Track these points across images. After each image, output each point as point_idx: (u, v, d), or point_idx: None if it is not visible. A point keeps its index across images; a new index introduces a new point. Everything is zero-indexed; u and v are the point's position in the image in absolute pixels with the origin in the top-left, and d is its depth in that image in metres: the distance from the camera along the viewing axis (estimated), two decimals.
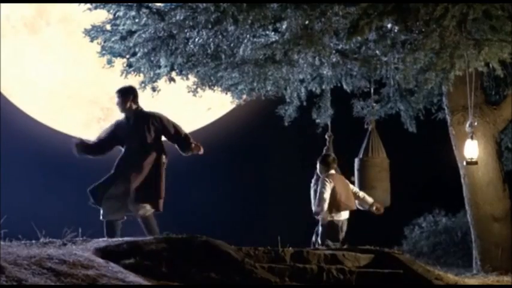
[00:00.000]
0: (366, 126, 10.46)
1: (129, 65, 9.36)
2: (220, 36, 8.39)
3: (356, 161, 10.27)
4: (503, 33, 7.80)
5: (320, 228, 9.09)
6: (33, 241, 6.23)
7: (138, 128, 7.81)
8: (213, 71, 9.25)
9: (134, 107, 7.92)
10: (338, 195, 9.00)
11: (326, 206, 8.92)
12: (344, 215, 9.14)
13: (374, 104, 10.61)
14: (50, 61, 13.99)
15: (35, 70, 14.04)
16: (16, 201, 12.21)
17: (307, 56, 8.60)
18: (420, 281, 6.94)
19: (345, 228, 9.17)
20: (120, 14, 8.38)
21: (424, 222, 13.69)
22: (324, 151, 10.26)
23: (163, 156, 7.81)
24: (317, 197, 9.00)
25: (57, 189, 14.14)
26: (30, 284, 4.71)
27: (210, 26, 8.15)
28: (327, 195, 8.92)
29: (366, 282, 6.60)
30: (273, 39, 8.33)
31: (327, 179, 9.03)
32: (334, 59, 8.83)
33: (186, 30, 8.34)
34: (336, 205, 9.00)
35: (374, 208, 9.26)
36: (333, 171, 9.19)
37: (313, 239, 9.22)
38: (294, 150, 14.05)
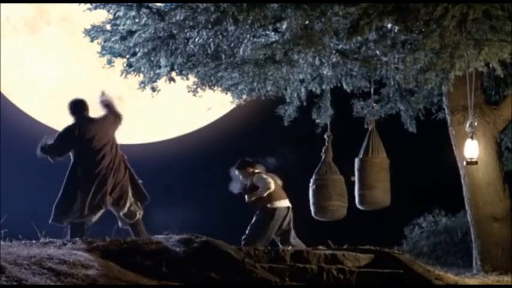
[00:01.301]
0: (366, 126, 10.46)
1: (129, 65, 9.36)
2: (220, 36, 8.38)
3: (356, 161, 10.27)
4: (503, 33, 7.80)
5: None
6: (33, 241, 6.23)
7: None
8: (213, 71, 9.24)
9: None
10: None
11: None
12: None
13: (374, 104, 10.60)
14: (50, 61, 13.99)
15: (35, 70, 14.05)
16: (16, 201, 12.21)
17: (307, 56, 8.60)
18: (420, 281, 6.94)
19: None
20: (120, 14, 8.38)
21: (424, 222, 13.71)
22: (323, 151, 10.27)
23: None
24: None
25: (57, 189, 14.13)
26: (30, 284, 4.71)
27: (210, 26, 8.14)
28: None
29: (366, 282, 6.60)
30: (273, 39, 8.33)
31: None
32: (334, 59, 8.83)
33: (186, 30, 8.34)
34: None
35: None
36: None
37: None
38: (293, 151, 14.04)
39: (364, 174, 10.06)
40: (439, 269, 8.09)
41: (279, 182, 9.30)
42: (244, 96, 10.09)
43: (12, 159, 13.37)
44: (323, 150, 10.29)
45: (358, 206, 10.10)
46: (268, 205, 9.03)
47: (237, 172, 9.30)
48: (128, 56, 9.30)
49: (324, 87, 10.24)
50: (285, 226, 9.08)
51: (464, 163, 9.44)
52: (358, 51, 8.77)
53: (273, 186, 8.99)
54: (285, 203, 9.11)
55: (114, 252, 5.96)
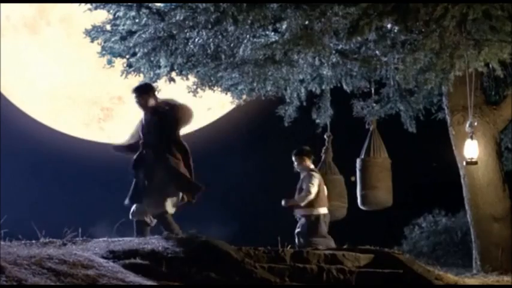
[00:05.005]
0: (367, 127, 10.47)
1: (129, 65, 9.36)
2: (220, 37, 8.39)
3: (358, 161, 10.28)
4: (503, 33, 7.80)
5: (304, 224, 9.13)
6: (33, 241, 6.23)
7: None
8: (213, 71, 9.24)
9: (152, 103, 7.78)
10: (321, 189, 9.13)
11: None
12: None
13: (374, 104, 10.60)
14: (50, 61, 14.00)
15: (35, 70, 14.06)
16: (16, 201, 12.21)
17: (307, 56, 8.60)
18: (420, 281, 6.94)
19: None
20: (120, 14, 8.39)
21: (424, 222, 13.71)
22: (323, 151, 10.27)
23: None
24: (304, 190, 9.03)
25: (57, 189, 14.15)
26: (30, 284, 4.70)
27: (210, 26, 8.15)
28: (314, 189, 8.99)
29: (366, 282, 6.60)
30: (273, 39, 8.33)
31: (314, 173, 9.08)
32: (334, 59, 8.83)
33: (186, 31, 8.35)
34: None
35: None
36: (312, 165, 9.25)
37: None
38: (293, 151, 14.01)
39: (366, 174, 10.08)
40: (439, 269, 8.08)
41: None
42: (244, 96, 10.09)
43: (12, 159, 13.38)
44: (323, 150, 10.30)
45: (360, 206, 10.12)
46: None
47: (293, 158, 9.26)
48: (127, 56, 9.30)
49: (323, 87, 10.24)
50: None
51: (464, 163, 9.44)
52: (358, 51, 8.77)
53: (313, 194, 8.95)
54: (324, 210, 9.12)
55: (114, 252, 5.96)
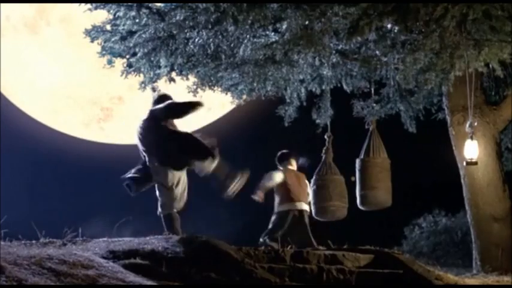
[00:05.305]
0: (366, 127, 10.46)
1: (129, 65, 9.36)
2: (220, 37, 8.39)
3: (357, 161, 10.27)
4: (503, 33, 7.80)
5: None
6: (33, 241, 6.23)
7: None
8: (213, 71, 9.24)
9: None
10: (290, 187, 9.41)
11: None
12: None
13: (374, 104, 10.60)
14: (50, 61, 14.01)
15: (35, 70, 14.06)
16: (16, 201, 12.21)
17: (307, 56, 8.60)
18: (420, 281, 6.94)
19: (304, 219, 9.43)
20: (120, 14, 8.38)
21: (424, 222, 13.73)
22: (323, 151, 10.27)
23: None
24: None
25: (57, 189, 14.15)
26: (30, 284, 4.70)
27: (210, 26, 8.15)
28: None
29: (366, 282, 6.60)
30: (273, 40, 8.32)
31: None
32: (334, 59, 8.83)
33: (186, 31, 8.34)
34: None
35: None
36: (290, 167, 9.60)
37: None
38: (293, 151, 13.99)
39: (365, 174, 10.07)
40: (439, 269, 8.08)
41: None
42: (244, 96, 10.09)
43: (12, 159, 13.38)
44: (323, 151, 10.30)
45: (359, 206, 10.10)
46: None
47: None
48: (128, 56, 9.30)
49: (324, 87, 10.24)
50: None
51: (464, 163, 9.44)
52: (358, 51, 8.77)
53: (274, 179, 9.23)
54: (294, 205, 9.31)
55: (114, 252, 5.96)
